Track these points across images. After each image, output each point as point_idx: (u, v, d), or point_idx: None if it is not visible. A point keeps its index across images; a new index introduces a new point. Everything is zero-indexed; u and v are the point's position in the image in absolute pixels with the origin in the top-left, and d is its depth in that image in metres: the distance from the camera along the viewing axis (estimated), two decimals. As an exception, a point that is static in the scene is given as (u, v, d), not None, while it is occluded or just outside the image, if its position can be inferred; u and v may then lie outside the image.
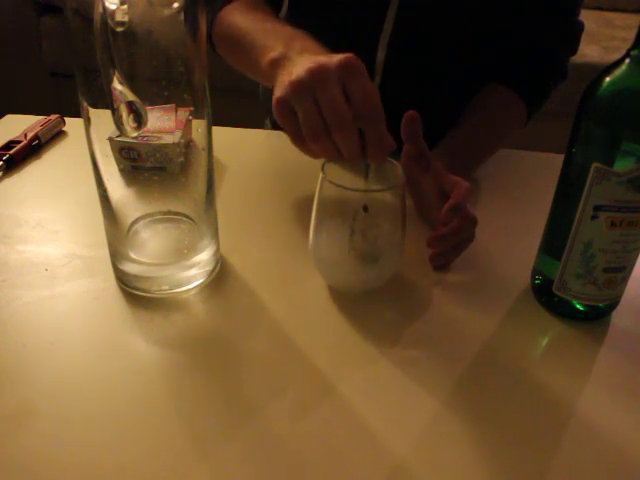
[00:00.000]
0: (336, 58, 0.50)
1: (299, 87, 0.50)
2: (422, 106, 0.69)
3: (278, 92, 0.52)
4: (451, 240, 0.57)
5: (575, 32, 0.81)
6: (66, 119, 0.82)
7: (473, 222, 0.57)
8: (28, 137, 0.75)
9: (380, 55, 0.76)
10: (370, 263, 0.54)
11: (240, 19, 0.73)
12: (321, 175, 0.51)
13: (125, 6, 0.41)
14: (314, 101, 0.49)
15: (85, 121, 0.48)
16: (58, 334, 0.50)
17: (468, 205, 0.57)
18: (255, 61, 0.63)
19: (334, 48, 0.75)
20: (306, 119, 0.50)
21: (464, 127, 0.74)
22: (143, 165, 0.52)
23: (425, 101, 0.74)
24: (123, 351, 0.49)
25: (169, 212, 0.56)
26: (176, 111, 0.50)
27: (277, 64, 0.58)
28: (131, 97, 0.43)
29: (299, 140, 0.53)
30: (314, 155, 0.54)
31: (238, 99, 1.57)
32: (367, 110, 0.49)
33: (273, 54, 0.59)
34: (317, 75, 0.49)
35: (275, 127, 0.94)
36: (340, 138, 0.49)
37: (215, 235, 0.57)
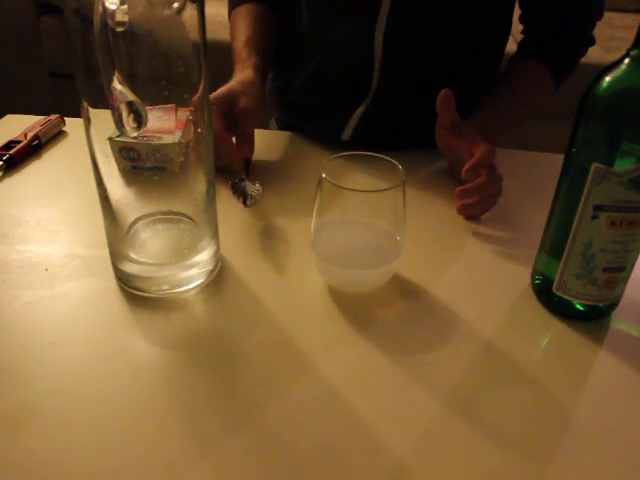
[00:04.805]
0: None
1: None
2: (423, 90, 0.70)
3: None
4: (475, 194, 0.65)
5: None
6: (66, 119, 0.82)
7: (497, 178, 0.65)
8: (28, 137, 0.75)
9: (378, 37, 0.76)
10: (370, 263, 0.54)
11: (233, 30, 0.86)
12: (321, 175, 0.51)
13: (125, 6, 0.41)
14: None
15: (85, 121, 0.48)
16: (58, 334, 0.50)
17: (494, 163, 0.64)
18: None
19: (332, 33, 0.80)
20: None
21: (490, 98, 0.79)
22: (143, 165, 0.52)
23: (426, 85, 0.74)
24: (123, 351, 0.49)
25: (169, 212, 0.56)
26: (176, 111, 0.50)
27: None
28: (131, 97, 0.43)
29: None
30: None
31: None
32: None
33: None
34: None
35: (281, 127, 0.95)
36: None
37: (215, 235, 0.57)
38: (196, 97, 0.48)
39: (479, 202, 0.65)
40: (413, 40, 0.77)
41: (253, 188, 0.67)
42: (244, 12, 0.86)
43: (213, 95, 0.70)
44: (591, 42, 0.84)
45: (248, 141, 0.71)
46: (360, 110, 0.81)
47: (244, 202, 0.65)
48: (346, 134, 0.82)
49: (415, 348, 0.50)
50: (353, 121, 0.81)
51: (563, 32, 0.82)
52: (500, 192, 0.65)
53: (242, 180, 0.68)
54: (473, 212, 0.66)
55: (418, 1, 0.75)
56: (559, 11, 0.81)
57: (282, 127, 0.94)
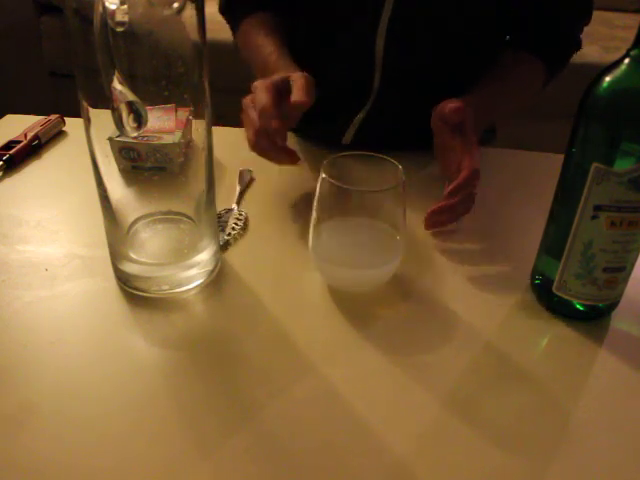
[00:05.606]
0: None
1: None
2: (423, 92, 0.69)
3: None
4: (446, 214, 0.64)
5: (586, 3, 0.81)
6: (66, 119, 0.82)
7: (470, 199, 0.64)
8: (28, 137, 0.75)
9: (379, 43, 0.76)
10: (370, 263, 0.54)
11: (251, 43, 0.83)
12: (321, 175, 0.51)
13: (125, 6, 0.41)
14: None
15: (85, 121, 0.48)
16: (58, 334, 0.50)
17: (471, 186, 0.63)
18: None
19: (332, 40, 0.80)
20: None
21: (480, 85, 0.78)
22: (143, 165, 0.52)
23: (426, 87, 0.74)
24: (123, 351, 0.49)
25: (169, 212, 0.56)
26: (176, 111, 0.50)
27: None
28: (131, 97, 0.43)
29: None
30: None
31: (238, 99, 1.57)
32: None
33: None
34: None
35: None
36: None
37: (215, 235, 0.57)
38: (196, 96, 0.49)
39: (449, 218, 0.65)
40: (414, 44, 0.77)
41: (236, 224, 0.64)
42: (259, 21, 0.84)
43: (280, 76, 0.68)
44: (578, 45, 0.83)
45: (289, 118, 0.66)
46: (361, 116, 0.81)
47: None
48: (346, 138, 0.83)
49: (415, 348, 0.50)
50: (354, 127, 0.82)
51: (550, 32, 0.81)
52: (468, 211, 0.64)
53: (229, 211, 0.65)
54: (442, 223, 0.65)
55: (418, 7, 0.75)
56: (546, 12, 0.80)
57: None
